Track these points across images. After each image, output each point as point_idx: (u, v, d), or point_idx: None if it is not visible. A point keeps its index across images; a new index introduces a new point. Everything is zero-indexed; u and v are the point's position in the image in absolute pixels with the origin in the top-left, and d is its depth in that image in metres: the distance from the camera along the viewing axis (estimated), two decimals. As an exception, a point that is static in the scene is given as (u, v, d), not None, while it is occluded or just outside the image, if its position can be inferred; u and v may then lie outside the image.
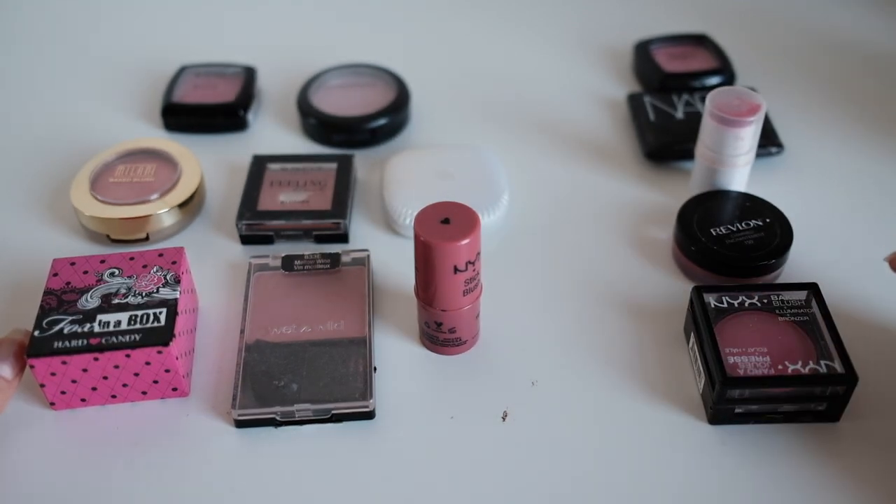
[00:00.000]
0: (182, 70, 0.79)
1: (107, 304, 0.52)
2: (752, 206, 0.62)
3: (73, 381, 0.51)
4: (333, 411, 0.51)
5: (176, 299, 0.53)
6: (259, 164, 0.68)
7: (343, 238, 0.64)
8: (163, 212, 0.63)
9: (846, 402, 0.50)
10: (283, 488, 0.48)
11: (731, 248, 0.58)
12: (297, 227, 0.63)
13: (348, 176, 0.67)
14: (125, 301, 0.52)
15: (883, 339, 0.56)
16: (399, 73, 0.78)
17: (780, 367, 0.50)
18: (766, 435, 0.50)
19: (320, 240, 0.64)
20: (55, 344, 0.50)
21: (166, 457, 0.50)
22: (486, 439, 0.50)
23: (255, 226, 0.63)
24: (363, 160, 0.72)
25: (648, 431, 0.50)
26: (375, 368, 0.54)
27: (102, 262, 0.55)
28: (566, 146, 0.73)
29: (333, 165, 0.68)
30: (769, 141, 0.70)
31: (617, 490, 0.48)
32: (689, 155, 0.68)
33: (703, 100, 0.73)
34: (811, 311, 0.53)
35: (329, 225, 0.63)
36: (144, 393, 0.52)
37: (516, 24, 0.88)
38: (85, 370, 0.50)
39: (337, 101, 0.75)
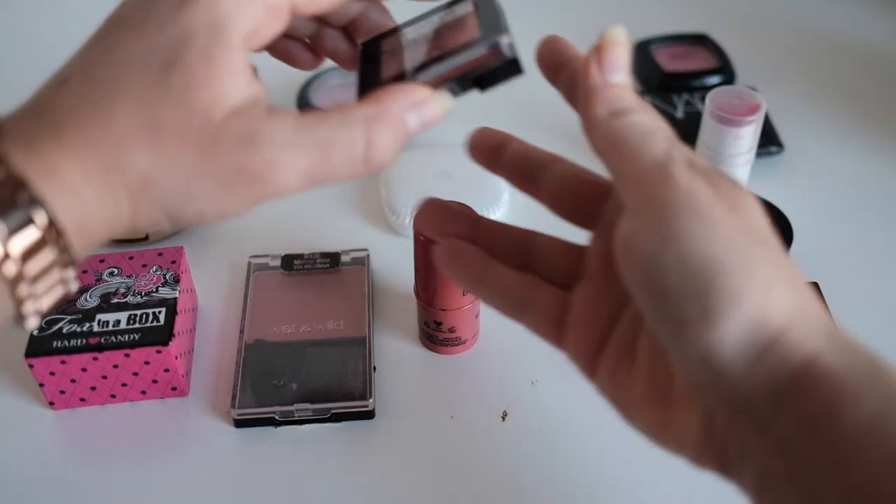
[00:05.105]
0: (182, 70, 0.79)
1: (106, 304, 0.52)
2: (753, 205, 0.61)
3: (73, 381, 0.51)
4: (333, 411, 0.51)
5: (175, 298, 0.53)
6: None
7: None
8: (162, 211, 0.63)
9: (846, 402, 0.50)
10: (283, 488, 0.48)
11: (731, 247, 0.58)
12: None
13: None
14: (124, 300, 0.52)
15: (884, 339, 0.55)
16: (399, 72, 0.78)
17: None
18: (767, 435, 0.50)
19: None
20: (54, 343, 0.50)
21: (165, 456, 0.50)
22: (486, 439, 0.50)
23: (254, 225, 0.63)
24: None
25: (648, 431, 0.50)
26: (375, 368, 0.54)
27: (102, 261, 0.55)
28: (566, 145, 0.73)
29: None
30: (769, 140, 0.69)
31: (617, 490, 0.48)
32: (689, 155, 0.68)
33: (703, 99, 0.73)
34: (811, 311, 0.53)
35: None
36: (144, 392, 0.52)
37: (516, 23, 0.88)
38: (84, 370, 0.50)
39: (337, 101, 0.75)
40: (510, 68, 0.33)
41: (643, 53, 0.79)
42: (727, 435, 0.30)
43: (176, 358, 0.51)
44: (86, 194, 0.28)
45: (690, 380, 0.30)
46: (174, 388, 0.52)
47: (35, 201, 0.27)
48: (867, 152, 0.71)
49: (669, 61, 0.79)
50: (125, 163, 0.28)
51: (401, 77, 0.33)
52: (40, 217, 0.27)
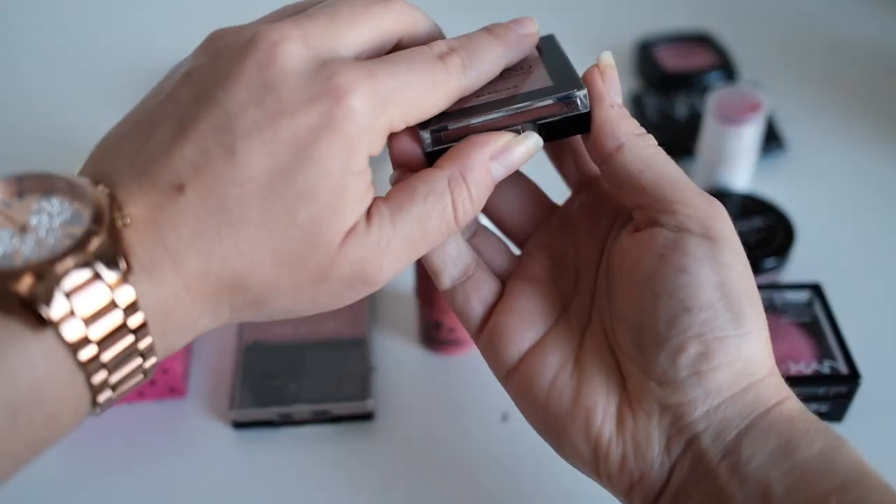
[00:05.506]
0: (181, 70, 0.79)
1: (104, 305, 0.52)
2: (754, 205, 0.61)
3: (70, 382, 0.50)
4: (332, 412, 0.51)
5: (173, 299, 0.52)
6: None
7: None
8: (161, 212, 0.63)
9: (850, 403, 0.49)
10: (282, 490, 0.48)
11: (733, 247, 0.58)
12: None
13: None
14: (122, 301, 0.52)
15: (887, 339, 0.55)
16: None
17: (782, 367, 0.49)
18: (769, 436, 0.50)
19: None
20: (52, 344, 0.49)
21: (163, 458, 0.49)
22: (486, 439, 0.50)
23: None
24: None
25: (650, 432, 0.50)
26: (374, 369, 0.54)
27: (100, 262, 0.55)
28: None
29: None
30: (772, 140, 0.69)
31: (618, 492, 0.47)
32: (690, 154, 0.68)
33: (705, 98, 0.73)
34: (814, 312, 0.53)
35: None
36: (141, 394, 0.52)
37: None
38: (82, 371, 0.50)
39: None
40: (580, 122, 0.33)
41: (645, 52, 0.79)
42: (677, 464, 0.31)
43: (174, 359, 0.51)
44: (190, 320, 0.28)
45: (664, 399, 0.31)
46: (172, 390, 0.52)
47: (142, 328, 0.27)
48: (871, 151, 0.71)
49: (671, 60, 0.78)
50: (239, 291, 0.28)
51: (466, 112, 0.32)
52: (144, 345, 0.27)
